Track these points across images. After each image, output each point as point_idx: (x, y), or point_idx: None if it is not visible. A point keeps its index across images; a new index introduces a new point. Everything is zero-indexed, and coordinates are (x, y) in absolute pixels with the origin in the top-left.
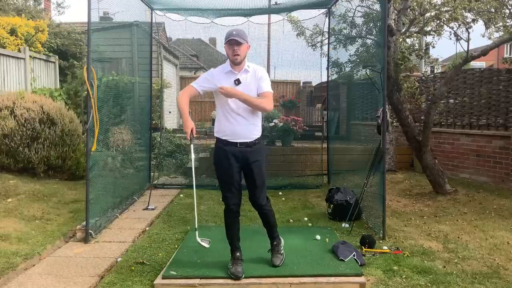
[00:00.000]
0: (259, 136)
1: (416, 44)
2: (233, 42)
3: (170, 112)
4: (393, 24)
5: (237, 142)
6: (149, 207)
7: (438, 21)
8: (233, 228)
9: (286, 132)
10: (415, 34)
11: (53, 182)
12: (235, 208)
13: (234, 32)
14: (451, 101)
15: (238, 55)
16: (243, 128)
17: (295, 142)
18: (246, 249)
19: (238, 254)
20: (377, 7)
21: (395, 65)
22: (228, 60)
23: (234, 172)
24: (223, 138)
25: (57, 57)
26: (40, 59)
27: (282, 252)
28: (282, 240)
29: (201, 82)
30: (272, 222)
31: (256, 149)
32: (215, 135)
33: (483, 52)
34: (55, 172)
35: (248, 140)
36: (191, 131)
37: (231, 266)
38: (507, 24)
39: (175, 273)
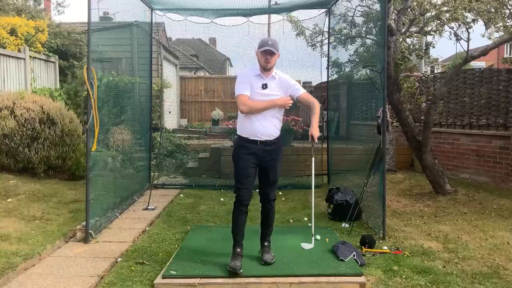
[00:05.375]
0: (277, 136)
1: (416, 44)
2: (268, 52)
3: (170, 112)
4: (393, 24)
5: (257, 140)
6: (149, 207)
7: (438, 21)
8: (239, 222)
9: (286, 132)
10: (415, 34)
11: (53, 182)
12: (245, 202)
13: (269, 42)
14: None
15: (270, 63)
16: (263, 128)
17: (295, 142)
18: (246, 249)
19: (238, 250)
20: (377, 7)
21: (395, 65)
22: (258, 64)
23: (250, 168)
24: (245, 136)
25: (57, 57)
26: (40, 59)
27: (271, 253)
28: None
29: (246, 86)
30: (271, 220)
31: (274, 148)
32: (238, 133)
33: (483, 52)
34: (55, 172)
35: (267, 139)
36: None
37: (230, 261)
38: (507, 24)
39: (175, 272)
